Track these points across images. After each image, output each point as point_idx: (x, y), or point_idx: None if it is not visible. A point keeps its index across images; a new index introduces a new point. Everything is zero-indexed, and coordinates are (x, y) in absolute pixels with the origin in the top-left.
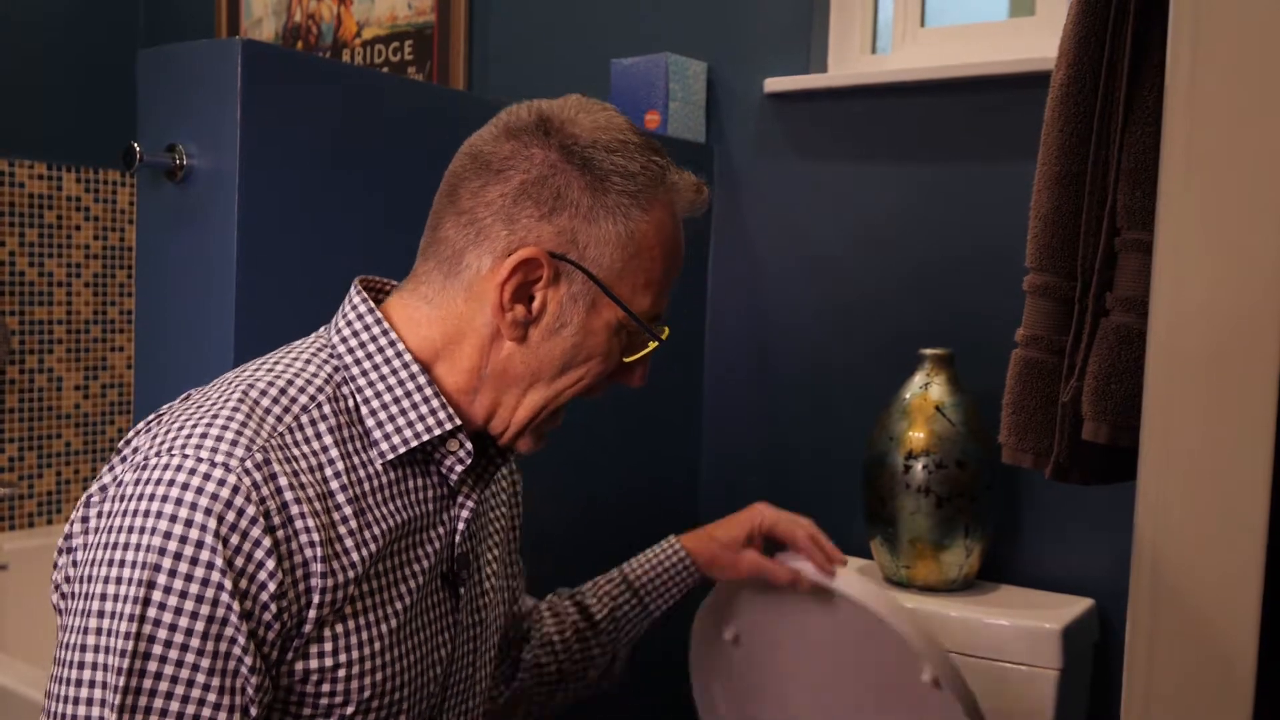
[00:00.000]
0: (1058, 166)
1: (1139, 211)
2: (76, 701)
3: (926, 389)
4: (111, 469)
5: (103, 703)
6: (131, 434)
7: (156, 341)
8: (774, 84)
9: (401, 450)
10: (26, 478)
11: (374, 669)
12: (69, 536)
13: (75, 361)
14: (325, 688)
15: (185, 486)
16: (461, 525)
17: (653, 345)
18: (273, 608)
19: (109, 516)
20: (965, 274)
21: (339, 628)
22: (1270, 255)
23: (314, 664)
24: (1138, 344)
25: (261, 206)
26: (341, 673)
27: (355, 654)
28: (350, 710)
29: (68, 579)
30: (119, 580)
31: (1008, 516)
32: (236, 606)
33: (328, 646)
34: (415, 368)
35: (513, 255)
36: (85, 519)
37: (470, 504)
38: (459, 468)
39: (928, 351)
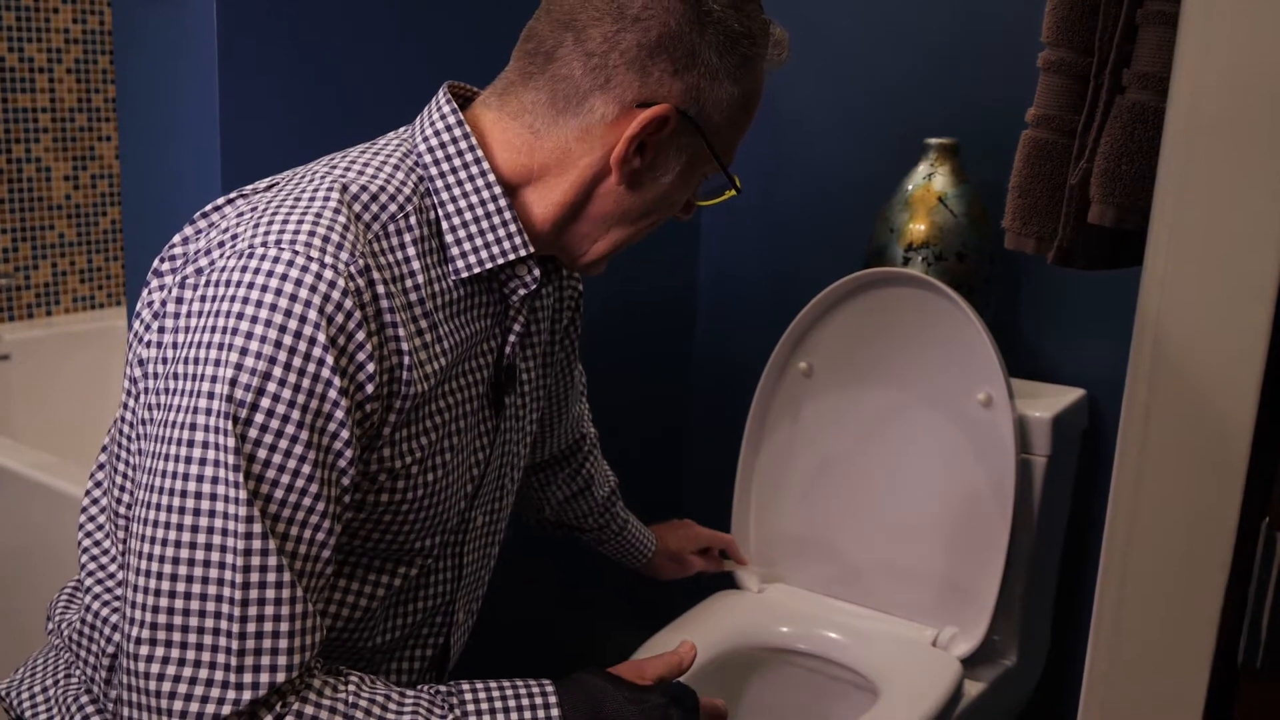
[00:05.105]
0: None
1: None
2: (193, 478)
3: (930, 179)
4: (208, 253)
5: (217, 464)
6: (210, 208)
7: (140, 125)
8: None
9: (476, 270)
10: (22, 269)
11: (429, 468)
12: (159, 316)
13: (63, 151)
14: (388, 484)
15: (299, 283)
16: (513, 338)
17: (730, 194)
18: (367, 408)
19: (214, 301)
20: (973, 62)
21: (408, 430)
22: None
23: (389, 465)
24: (1152, 122)
25: None
26: (403, 472)
27: (417, 455)
28: (405, 506)
29: (163, 359)
30: (233, 364)
31: (1006, 310)
32: (344, 402)
33: (400, 448)
34: (498, 190)
35: (648, 109)
36: (181, 299)
37: (521, 319)
38: (522, 291)
39: (932, 141)
